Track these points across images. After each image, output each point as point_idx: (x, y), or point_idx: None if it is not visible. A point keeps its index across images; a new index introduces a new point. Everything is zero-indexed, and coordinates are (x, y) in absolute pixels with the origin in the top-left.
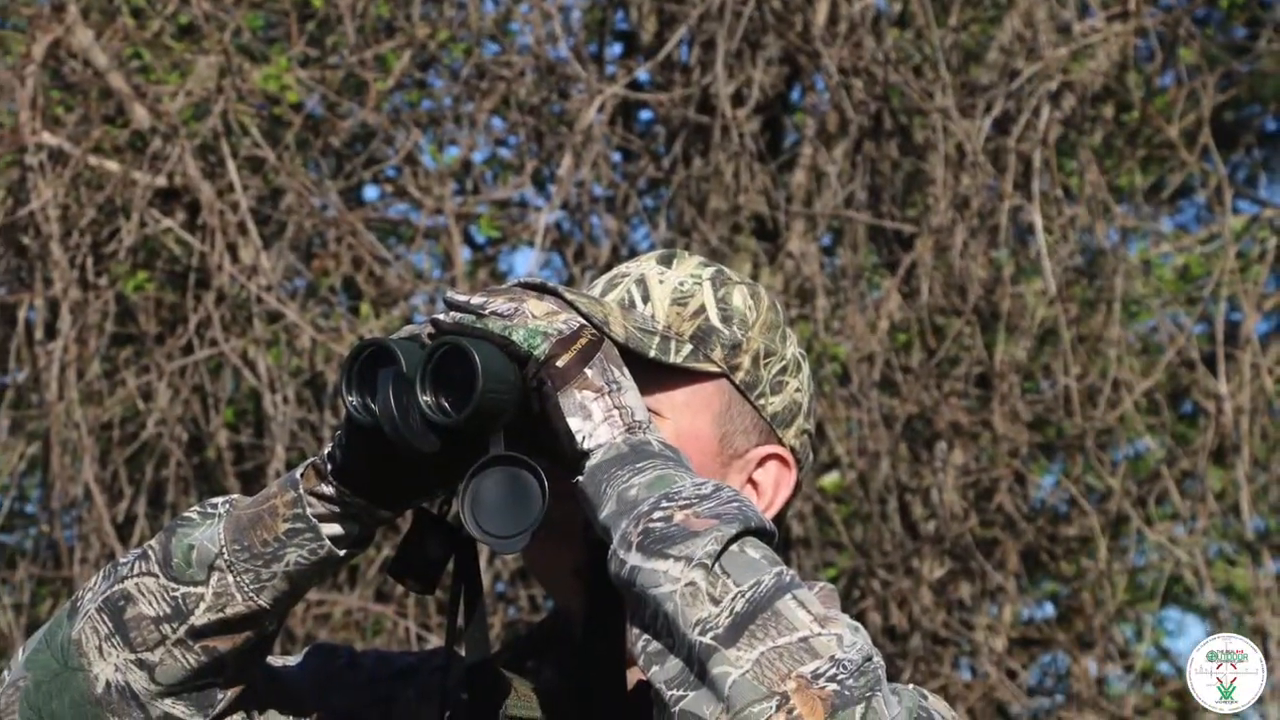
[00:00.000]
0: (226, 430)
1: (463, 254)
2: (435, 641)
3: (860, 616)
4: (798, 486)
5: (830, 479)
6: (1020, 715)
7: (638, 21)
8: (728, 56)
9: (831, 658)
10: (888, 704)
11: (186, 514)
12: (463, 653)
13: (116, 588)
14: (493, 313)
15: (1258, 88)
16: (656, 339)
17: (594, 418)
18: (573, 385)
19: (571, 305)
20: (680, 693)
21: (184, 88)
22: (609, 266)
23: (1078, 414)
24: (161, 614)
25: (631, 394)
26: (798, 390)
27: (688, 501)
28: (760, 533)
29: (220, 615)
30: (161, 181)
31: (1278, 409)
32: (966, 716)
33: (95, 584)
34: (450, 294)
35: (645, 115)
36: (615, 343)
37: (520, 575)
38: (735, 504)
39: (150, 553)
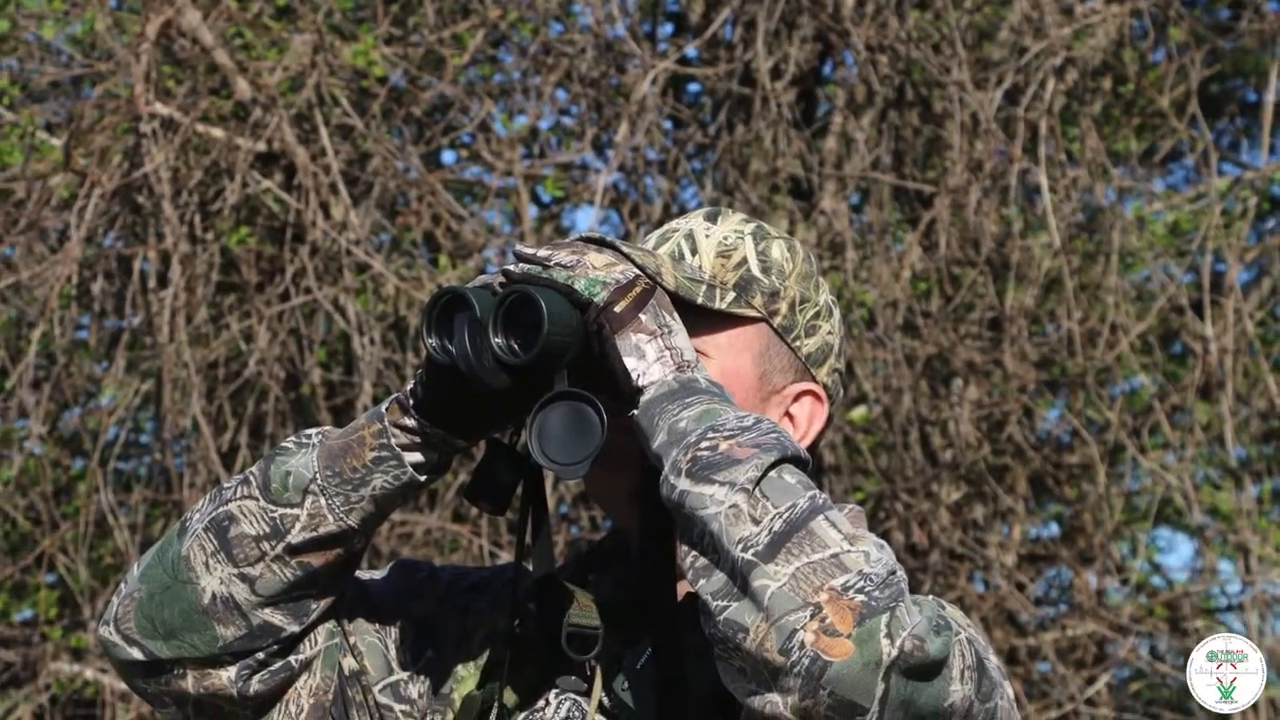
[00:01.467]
0: (319, 369)
1: (530, 211)
2: (506, 557)
3: (885, 535)
4: (829, 419)
5: (858, 412)
6: (1028, 623)
7: (686, 4)
8: (767, 35)
9: (860, 572)
10: (909, 613)
11: (284, 444)
12: (530, 567)
13: (221, 509)
14: (557, 264)
15: (1240, 63)
16: (703, 287)
17: (648, 358)
18: (629, 329)
19: (627, 257)
20: (724, 603)
21: (281, 63)
22: (661, 223)
23: (1079, 354)
24: (261, 533)
25: (681, 336)
26: (829, 333)
27: (731, 432)
28: (796, 460)
29: (314, 534)
30: (261, 147)
31: (1258, 349)
32: (980, 624)
33: (202, 506)
34: (519, 247)
35: (693, 87)
36: (666, 291)
37: (581, 498)
38: (774, 435)
39: (251, 478)
